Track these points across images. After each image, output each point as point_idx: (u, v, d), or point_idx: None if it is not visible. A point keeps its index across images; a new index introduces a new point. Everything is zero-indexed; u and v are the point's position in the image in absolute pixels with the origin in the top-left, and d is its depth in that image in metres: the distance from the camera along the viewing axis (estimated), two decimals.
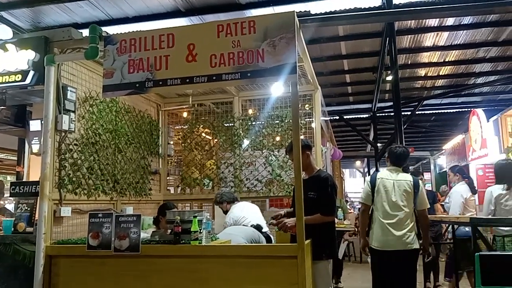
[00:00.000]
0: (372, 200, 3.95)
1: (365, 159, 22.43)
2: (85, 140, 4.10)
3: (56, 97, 3.57)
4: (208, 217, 3.12)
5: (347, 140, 18.20)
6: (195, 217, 2.99)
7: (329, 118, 10.60)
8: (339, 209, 6.27)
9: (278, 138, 5.51)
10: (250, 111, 5.70)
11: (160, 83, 3.19)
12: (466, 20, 7.67)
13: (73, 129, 3.89)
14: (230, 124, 5.59)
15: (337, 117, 13.16)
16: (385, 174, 4.01)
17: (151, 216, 4.45)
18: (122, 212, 4.43)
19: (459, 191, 5.59)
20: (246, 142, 5.52)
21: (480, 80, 10.85)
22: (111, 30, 7.22)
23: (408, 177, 3.95)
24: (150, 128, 5.40)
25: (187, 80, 3.16)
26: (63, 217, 3.74)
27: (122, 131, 4.71)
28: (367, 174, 21.19)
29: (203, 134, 5.87)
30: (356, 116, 14.14)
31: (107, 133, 4.45)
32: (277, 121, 5.49)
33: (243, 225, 4.14)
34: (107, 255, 3.13)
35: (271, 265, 2.88)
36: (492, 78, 10.56)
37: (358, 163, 24.40)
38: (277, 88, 5.12)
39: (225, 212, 4.52)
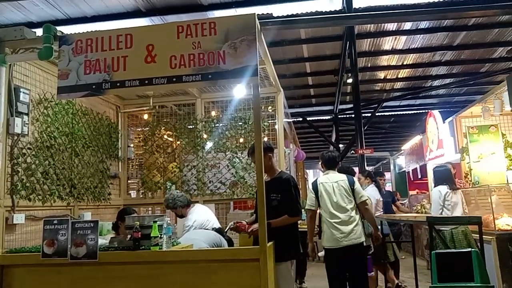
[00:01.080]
0: (318, 205, 4.21)
1: None
2: (40, 144, 3.93)
3: (8, 99, 3.40)
4: (168, 221, 3.06)
5: (310, 142, 18.46)
6: (155, 222, 2.93)
7: (292, 119, 10.71)
8: (303, 210, 6.31)
9: (241, 140, 5.49)
10: (213, 113, 5.66)
11: (118, 84, 3.10)
12: (423, 24, 7.97)
13: (26, 133, 3.72)
14: (193, 126, 5.52)
15: (301, 119, 13.33)
16: (324, 179, 4.30)
17: (110, 222, 4.32)
18: (80, 218, 4.28)
19: (372, 193, 5.85)
20: (209, 144, 5.47)
21: (436, 82, 11.30)
22: (69, 29, 6.98)
23: (343, 177, 4.25)
24: (109, 130, 5.25)
25: (146, 82, 3.08)
26: (16, 225, 3.56)
27: (79, 134, 4.55)
28: None
29: (165, 137, 5.77)
30: (319, 117, 14.38)
31: (63, 136, 4.28)
32: (241, 123, 5.47)
33: (205, 228, 4.10)
34: (63, 263, 3.00)
35: (233, 268, 2.85)
36: (447, 80, 11.02)
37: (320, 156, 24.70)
38: (240, 90, 5.11)
39: (181, 216, 4.42)
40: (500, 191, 5.99)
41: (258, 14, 7.17)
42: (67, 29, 6.86)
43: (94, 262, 2.94)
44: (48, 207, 3.99)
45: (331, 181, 4.21)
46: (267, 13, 7.02)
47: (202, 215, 4.29)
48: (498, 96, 5.96)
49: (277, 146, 5.36)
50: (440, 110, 10.12)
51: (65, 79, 3.18)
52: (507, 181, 6.26)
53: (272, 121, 5.49)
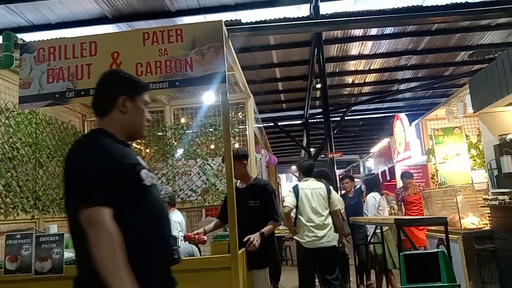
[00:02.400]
0: (296, 205, 4.53)
1: None
2: (1, 156, 3.78)
3: None
4: None
5: (282, 146, 18.57)
6: None
7: (263, 125, 10.74)
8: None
9: (212, 147, 5.45)
10: (183, 120, 5.60)
11: (82, 93, 3.03)
12: (388, 30, 8.17)
13: None
14: (162, 134, 5.44)
15: (272, 124, 13.39)
16: (304, 185, 4.64)
17: None
18: (45, 231, 4.13)
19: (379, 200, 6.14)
20: (179, 152, 5.40)
21: (402, 86, 11.59)
22: (33, 37, 6.78)
23: (321, 185, 4.65)
24: (74, 140, 5.09)
25: None
26: None
27: (44, 144, 4.40)
28: None
29: (134, 144, 5.66)
30: (290, 122, 14.49)
31: (26, 147, 4.13)
32: (211, 130, 5.44)
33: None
34: (28, 279, 2.88)
35: (205, 278, 2.82)
36: (413, 84, 11.33)
37: (293, 167, 24.93)
38: (209, 97, 5.08)
39: None
40: (465, 191, 6.18)
41: (226, 21, 7.20)
42: (30, 37, 6.70)
43: (60, 277, 2.84)
44: (11, 220, 3.84)
45: (310, 188, 4.58)
46: (236, 20, 7.03)
47: (181, 219, 4.26)
48: (461, 99, 6.16)
49: (248, 152, 5.37)
50: (406, 113, 10.42)
51: (27, 88, 3.09)
52: (472, 181, 6.47)
53: (243, 127, 5.49)
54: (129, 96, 1.78)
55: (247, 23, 6.70)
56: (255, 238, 3.19)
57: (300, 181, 4.88)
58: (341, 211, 5.45)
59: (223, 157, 3.78)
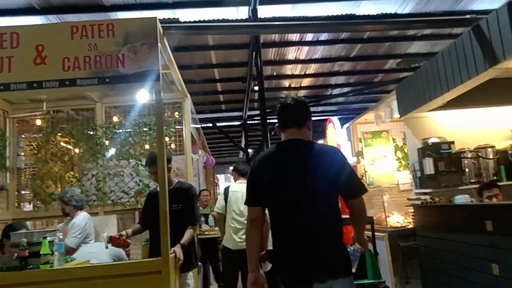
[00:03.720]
0: (225, 208, 4.59)
1: None
2: None
3: None
4: (61, 237, 2.82)
5: (221, 147, 18.50)
6: (45, 238, 2.68)
7: (201, 125, 10.64)
8: (210, 216, 6.29)
9: (147, 147, 5.30)
10: (115, 119, 5.38)
11: (1, 87, 2.81)
12: (323, 36, 8.42)
13: None
14: (93, 133, 5.19)
15: (211, 125, 13.29)
16: (235, 187, 4.68)
17: None
18: None
19: None
20: (111, 152, 5.19)
21: (336, 91, 12.00)
22: None
23: None
24: None
25: (35, 85, 2.84)
26: None
27: None
28: None
29: (62, 144, 5.36)
30: (229, 123, 14.47)
31: None
32: (145, 129, 5.28)
33: (88, 239, 3.92)
34: None
35: (135, 282, 2.73)
36: (346, 89, 11.76)
37: (230, 168, 24.94)
38: (144, 95, 4.93)
39: (66, 214, 4.17)
40: (391, 191, 6.56)
41: (163, 18, 7.05)
42: None
43: None
44: None
45: (241, 190, 4.51)
46: (174, 18, 6.89)
47: (89, 224, 4.08)
48: (388, 104, 6.51)
49: (184, 152, 5.29)
50: (339, 116, 10.81)
51: None
52: (397, 181, 6.87)
53: (179, 126, 5.39)
54: None
55: (184, 22, 6.59)
56: (177, 252, 3.18)
57: (235, 182, 4.90)
58: None
59: (147, 161, 3.67)
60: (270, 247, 4.83)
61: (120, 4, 6.87)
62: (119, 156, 5.14)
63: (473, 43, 3.90)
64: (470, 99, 4.63)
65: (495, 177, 4.81)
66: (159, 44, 3.01)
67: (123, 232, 3.50)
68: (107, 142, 5.16)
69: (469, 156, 4.93)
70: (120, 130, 5.23)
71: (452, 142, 4.84)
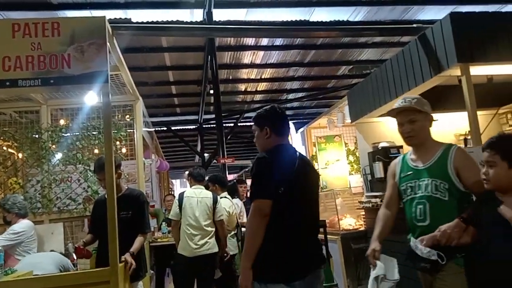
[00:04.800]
0: (180, 215, 4.51)
1: None
2: None
3: None
4: None
5: (176, 151, 18.22)
6: None
7: (155, 129, 10.41)
8: (163, 223, 6.15)
9: (96, 151, 5.09)
10: (62, 122, 5.13)
11: None
12: (278, 41, 8.52)
13: None
14: (38, 136, 4.92)
15: (165, 128, 13.06)
16: (190, 192, 4.64)
17: None
18: None
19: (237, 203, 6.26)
20: (57, 157, 4.93)
21: (291, 96, 12.19)
22: None
23: (208, 194, 4.68)
24: None
25: None
26: None
27: None
28: None
29: (4, 148, 5.04)
30: (184, 127, 14.29)
31: None
32: (94, 133, 5.07)
33: (29, 247, 3.73)
34: None
35: None
36: (300, 94, 11.98)
37: (187, 173, 24.58)
38: (93, 97, 4.74)
39: (7, 222, 3.93)
40: (344, 194, 6.69)
41: (115, 18, 6.84)
42: None
43: None
44: None
45: (197, 196, 4.57)
46: (126, 18, 6.72)
47: (29, 232, 3.89)
48: (340, 110, 6.67)
49: (136, 157, 5.13)
50: (294, 121, 10.96)
51: None
52: (349, 185, 7.03)
53: (131, 130, 5.23)
54: None
55: (136, 23, 6.44)
56: (129, 259, 3.09)
57: (190, 188, 4.82)
58: (238, 217, 5.50)
59: (95, 165, 3.52)
60: (232, 252, 4.82)
61: (68, 3, 6.63)
62: (66, 161, 4.90)
63: (419, 52, 4.06)
64: None
65: None
66: (108, 44, 2.90)
67: (80, 242, 3.40)
68: (53, 147, 4.91)
69: None
70: (67, 134, 4.99)
71: (401, 147, 4.99)
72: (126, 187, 3.63)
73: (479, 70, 3.82)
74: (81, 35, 2.84)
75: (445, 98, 4.64)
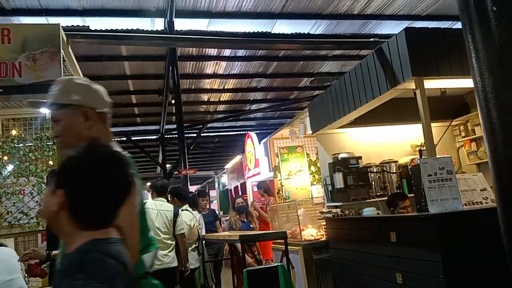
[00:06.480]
0: None
1: None
2: None
3: None
4: None
5: (137, 162, 17.69)
6: None
7: (114, 139, 10.12)
8: None
9: (51, 163, 4.87)
10: (14, 132, 4.88)
11: None
12: (240, 52, 8.55)
13: None
14: None
15: (125, 138, 12.74)
16: (151, 204, 4.58)
17: None
18: None
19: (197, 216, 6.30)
20: (8, 168, 4.68)
21: (254, 106, 12.24)
22: None
23: (169, 207, 4.65)
24: None
25: None
26: None
27: None
28: None
29: None
30: (145, 137, 14.01)
31: None
32: (49, 143, 4.86)
33: None
34: None
35: None
36: (263, 105, 12.05)
37: (149, 184, 24.07)
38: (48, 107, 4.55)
39: None
40: (306, 204, 6.73)
41: (72, 26, 6.64)
42: None
43: None
44: None
45: (157, 208, 4.54)
46: (83, 26, 6.54)
47: None
48: (302, 121, 6.76)
49: None
50: (257, 132, 11.00)
51: None
52: (311, 195, 7.10)
53: None
54: None
55: (95, 31, 6.27)
56: None
57: (152, 200, 4.74)
58: (198, 229, 5.44)
59: (47, 178, 3.37)
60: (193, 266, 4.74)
61: (23, 9, 6.39)
62: (18, 173, 4.66)
63: (376, 65, 4.19)
64: (375, 117, 4.95)
65: (398, 190, 5.16)
66: (63, 53, 2.81)
67: (37, 260, 3.18)
68: (4, 158, 4.66)
69: (374, 170, 5.24)
70: (20, 145, 4.76)
71: (360, 157, 5.11)
72: None
73: (433, 84, 3.98)
74: (34, 43, 2.74)
75: (402, 110, 4.79)
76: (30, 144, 4.78)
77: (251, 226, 6.15)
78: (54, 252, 3.16)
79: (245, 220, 6.16)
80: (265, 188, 7.27)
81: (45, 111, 4.62)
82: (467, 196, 3.56)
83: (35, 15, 6.39)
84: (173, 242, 4.49)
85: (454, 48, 3.70)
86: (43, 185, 4.66)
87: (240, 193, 11.95)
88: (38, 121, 4.80)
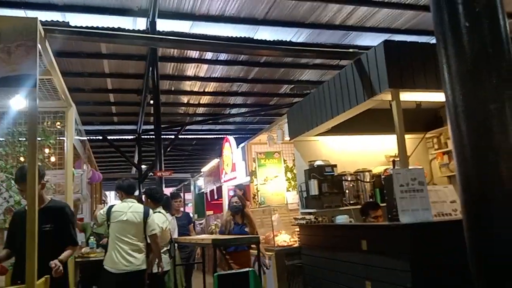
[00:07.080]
0: (107, 228, 4.44)
1: None
2: None
3: None
4: None
5: (111, 162, 17.53)
6: None
7: (89, 137, 9.95)
8: (91, 237, 5.83)
9: (22, 159, 4.75)
10: None
11: None
12: (222, 56, 8.55)
13: None
14: None
15: (100, 137, 12.53)
16: (119, 207, 4.48)
17: None
18: None
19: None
20: None
21: (234, 110, 12.24)
22: None
23: (139, 208, 4.49)
24: None
25: None
26: None
27: None
28: None
29: None
30: (121, 137, 13.82)
31: None
32: (21, 139, 4.75)
33: None
34: None
35: None
36: (243, 109, 12.08)
37: (116, 185, 23.63)
38: (20, 102, 4.43)
39: None
40: (280, 210, 6.78)
41: (51, 21, 6.51)
42: None
43: None
44: None
45: (126, 209, 4.40)
46: (63, 21, 6.43)
47: None
48: (280, 127, 6.79)
49: (65, 166, 4.86)
50: (236, 136, 11.00)
51: None
52: (287, 201, 7.14)
53: (62, 138, 4.96)
54: None
55: (75, 27, 6.17)
56: (57, 264, 3.00)
57: (121, 202, 4.63)
58: (170, 232, 5.36)
59: (16, 175, 3.31)
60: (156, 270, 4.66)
61: (1, 1, 6.23)
62: None
63: (354, 75, 4.25)
64: (351, 126, 5.03)
65: (371, 199, 5.24)
66: (39, 47, 2.74)
67: None
68: None
69: (349, 179, 5.31)
70: None
71: (335, 165, 5.17)
72: (50, 199, 3.47)
73: (408, 96, 4.08)
74: (9, 35, 2.66)
75: (378, 121, 4.87)
76: (1, 139, 4.66)
77: (246, 230, 5.26)
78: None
79: (239, 222, 5.32)
80: (244, 191, 7.24)
81: (17, 106, 4.53)
82: (437, 207, 3.64)
83: (13, 7, 6.25)
84: (143, 244, 4.40)
85: (431, 62, 3.79)
86: (12, 181, 4.54)
87: (216, 197, 11.90)
88: (10, 115, 4.69)
